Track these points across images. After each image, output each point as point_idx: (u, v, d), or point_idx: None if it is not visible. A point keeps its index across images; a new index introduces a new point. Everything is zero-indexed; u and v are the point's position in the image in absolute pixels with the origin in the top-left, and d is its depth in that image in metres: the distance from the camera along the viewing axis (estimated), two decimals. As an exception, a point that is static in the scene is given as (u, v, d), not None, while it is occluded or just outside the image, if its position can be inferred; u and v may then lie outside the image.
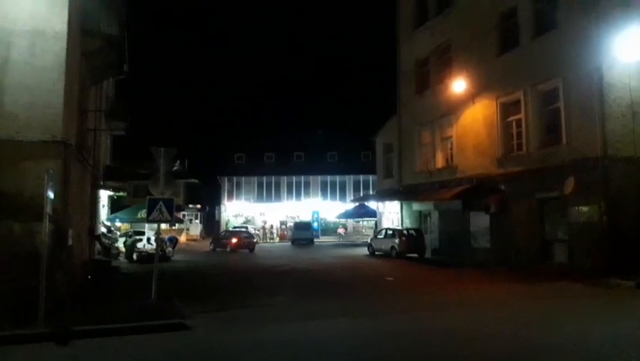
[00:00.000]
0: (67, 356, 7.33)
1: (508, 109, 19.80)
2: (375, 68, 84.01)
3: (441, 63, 24.43)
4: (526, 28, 18.73)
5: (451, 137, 23.89)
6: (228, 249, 31.85)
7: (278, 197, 52.19)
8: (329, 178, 51.89)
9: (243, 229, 39.50)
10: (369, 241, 29.60)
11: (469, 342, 7.85)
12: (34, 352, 7.47)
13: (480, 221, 20.52)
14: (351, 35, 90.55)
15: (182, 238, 37.15)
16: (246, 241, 32.70)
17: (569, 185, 16.23)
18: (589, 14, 15.94)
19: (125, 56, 15.74)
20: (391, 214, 31.16)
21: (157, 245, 12.62)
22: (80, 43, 11.99)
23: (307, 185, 52.06)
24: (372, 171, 37.57)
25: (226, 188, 52.97)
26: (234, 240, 32.38)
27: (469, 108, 21.71)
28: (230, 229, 43.80)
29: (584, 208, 15.99)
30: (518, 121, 19.17)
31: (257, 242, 36.39)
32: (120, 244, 25.51)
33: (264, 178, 52.36)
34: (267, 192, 52.43)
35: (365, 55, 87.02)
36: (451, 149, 23.83)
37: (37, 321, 8.18)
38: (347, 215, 43.63)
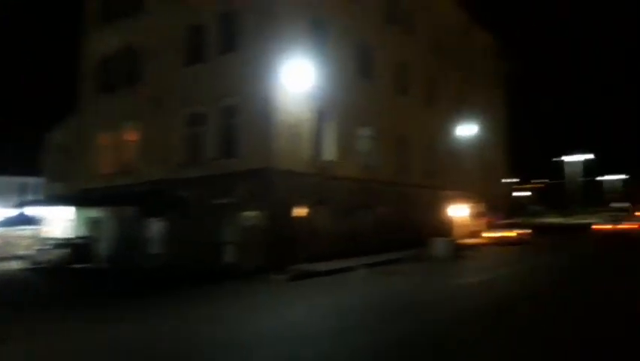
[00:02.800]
0: None
1: (192, 118, 20.68)
2: (57, 60, 74.71)
3: (129, 65, 23.75)
4: (212, 45, 20.09)
5: (134, 141, 23.35)
6: None
7: None
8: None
9: None
10: (30, 252, 25.79)
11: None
12: None
13: (158, 226, 20.57)
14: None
15: None
16: None
17: (241, 192, 17.99)
18: (265, 41, 18.25)
19: None
20: (60, 222, 28.03)
21: None
22: None
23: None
24: (34, 172, 33.16)
25: None
26: None
27: (155, 114, 21.71)
28: None
29: (252, 213, 17.96)
30: (202, 131, 20.22)
31: None
32: None
33: None
34: None
35: (45, 44, 76.65)
36: (133, 153, 23.28)
37: None
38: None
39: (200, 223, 19.15)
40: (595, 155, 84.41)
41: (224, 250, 18.65)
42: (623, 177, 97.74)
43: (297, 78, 17.57)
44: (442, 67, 31.96)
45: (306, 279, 15.80)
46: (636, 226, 37.41)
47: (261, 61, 18.26)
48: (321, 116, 20.54)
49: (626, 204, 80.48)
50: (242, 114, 18.84)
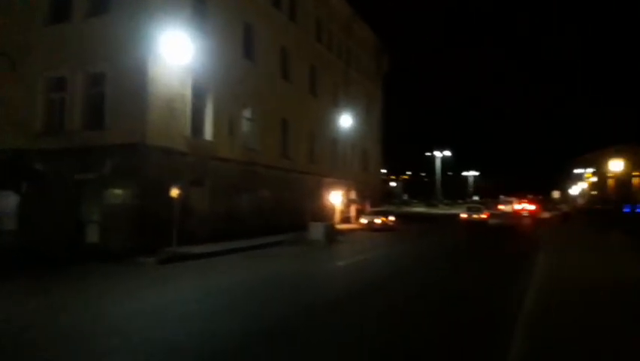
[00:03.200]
0: None
1: (53, 83, 18.52)
2: None
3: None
4: (79, 4, 18.05)
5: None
6: None
7: None
8: None
9: None
10: None
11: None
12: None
13: (9, 201, 18.19)
14: None
15: None
16: None
17: (108, 168, 16.55)
18: (140, 6, 16.82)
19: None
20: None
21: None
22: None
23: None
24: None
25: None
26: None
27: (7, 75, 19.00)
28: None
29: (120, 191, 16.58)
30: (63, 98, 18.19)
31: None
32: None
33: None
34: None
35: None
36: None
37: None
38: None
39: (60, 200, 17.24)
40: (457, 152, 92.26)
41: (88, 230, 17.01)
42: (476, 173, 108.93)
43: (175, 50, 16.46)
44: (325, 56, 32.43)
45: (179, 262, 15.02)
46: (486, 216, 42.60)
47: (136, 27, 16.73)
48: (200, 93, 19.62)
49: (479, 198, 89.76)
50: (111, 83, 17.19)
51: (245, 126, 23.12)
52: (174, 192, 16.17)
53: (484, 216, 42.16)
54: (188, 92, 18.55)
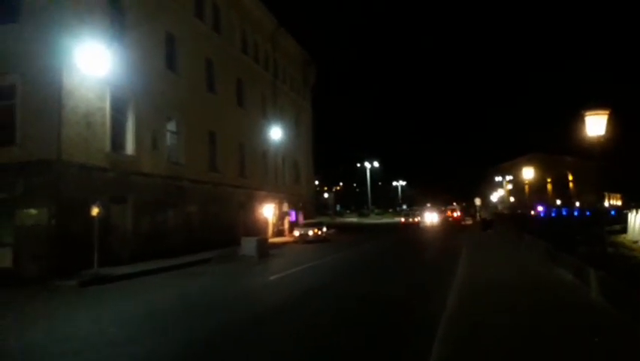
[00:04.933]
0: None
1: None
2: None
3: None
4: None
5: None
6: None
7: None
8: None
9: None
10: None
11: None
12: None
13: None
14: None
15: None
16: None
17: (20, 186, 15.46)
18: (53, 16, 15.94)
19: None
20: None
21: None
22: None
23: None
24: None
25: None
26: None
27: None
28: None
29: (33, 211, 15.54)
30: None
31: None
32: None
33: None
34: None
35: None
36: None
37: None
38: None
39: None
40: (385, 162, 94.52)
41: (-2, 255, 15.76)
42: (403, 183, 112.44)
43: (92, 62, 15.77)
44: (251, 68, 32.29)
45: (100, 284, 14.25)
46: (418, 220, 52.54)
47: (48, 37, 15.79)
48: (121, 106, 18.88)
49: (406, 206, 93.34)
50: (23, 96, 16.07)
51: (169, 140, 22.46)
52: (94, 210, 15.33)
53: (417, 220, 53.62)
54: (107, 106, 17.77)
